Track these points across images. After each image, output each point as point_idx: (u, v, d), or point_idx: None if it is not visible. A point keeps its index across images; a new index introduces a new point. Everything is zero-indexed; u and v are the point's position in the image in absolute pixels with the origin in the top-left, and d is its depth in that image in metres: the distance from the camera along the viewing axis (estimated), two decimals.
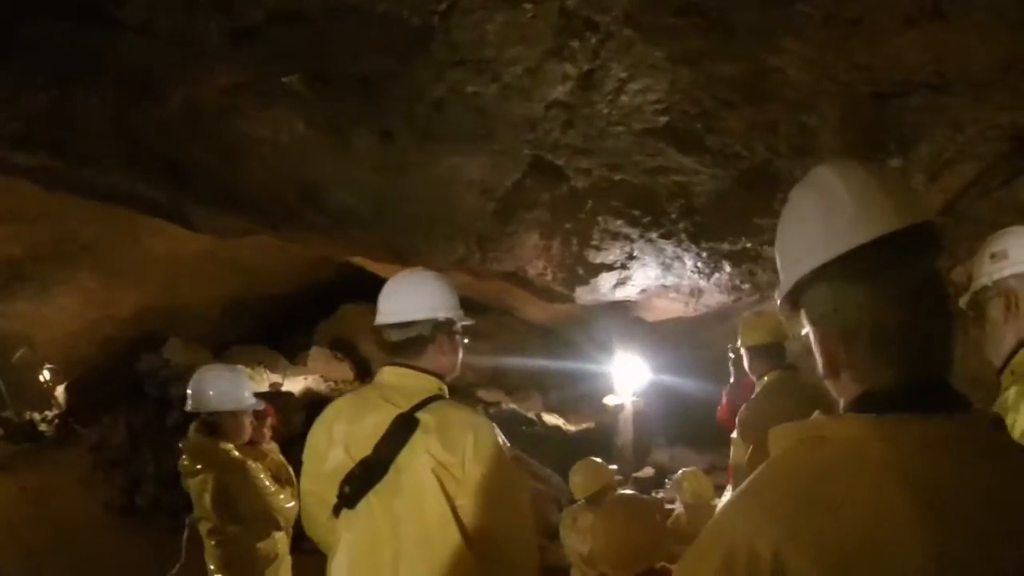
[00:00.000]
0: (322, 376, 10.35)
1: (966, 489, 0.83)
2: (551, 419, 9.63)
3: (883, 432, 0.86)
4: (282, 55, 3.79)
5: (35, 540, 7.44)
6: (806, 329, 1.02)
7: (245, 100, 4.27)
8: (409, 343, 2.01)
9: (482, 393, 9.77)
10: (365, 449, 1.92)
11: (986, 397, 1.81)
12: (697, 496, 4.57)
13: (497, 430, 1.93)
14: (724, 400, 4.50)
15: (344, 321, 12.06)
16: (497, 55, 3.61)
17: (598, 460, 4.38)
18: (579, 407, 9.71)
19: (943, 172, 4.01)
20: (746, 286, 5.36)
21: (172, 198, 5.80)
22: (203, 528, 3.34)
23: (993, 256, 1.89)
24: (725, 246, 4.96)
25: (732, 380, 4.37)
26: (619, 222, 4.92)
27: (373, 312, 2.11)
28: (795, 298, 1.02)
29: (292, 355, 11.59)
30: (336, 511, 1.97)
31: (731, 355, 4.08)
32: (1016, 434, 1.68)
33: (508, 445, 1.94)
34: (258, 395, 3.53)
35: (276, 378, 10.13)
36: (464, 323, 2.11)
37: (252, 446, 3.51)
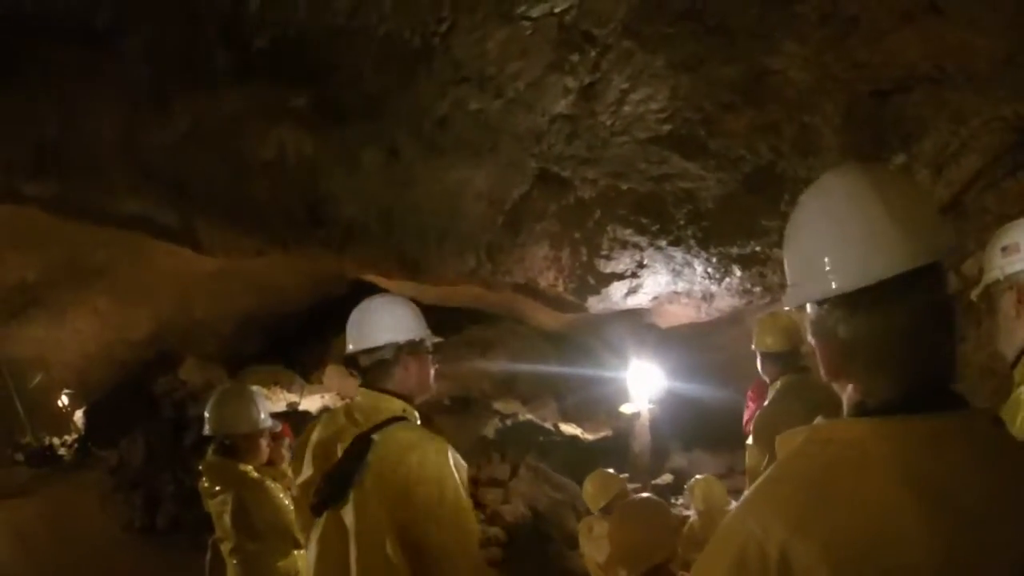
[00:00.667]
0: (338, 393, 10.36)
1: (968, 483, 0.85)
2: (568, 428, 9.59)
3: (886, 431, 0.88)
4: (288, 78, 3.84)
5: (56, 561, 7.47)
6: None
7: (252, 122, 4.33)
8: (375, 367, 2.10)
9: (498, 405, 9.75)
10: (328, 465, 2.03)
11: (1000, 388, 1.79)
12: (709, 502, 4.56)
13: (451, 452, 1.98)
14: (750, 405, 4.43)
15: None
16: (499, 71, 3.65)
17: (610, 471, 4.40)
18: (595, 412, 9.66)
19: (948, 165, 4.00)
20: (757, 289, 5.35)
21: (182, 221, 5.86)
22: (225, 548, 3.36)
23: (1005, 249, 1.88)
24: (734, 250, 4.97)
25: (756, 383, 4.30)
26: (628, 231, 4.94)
27: None
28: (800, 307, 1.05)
29: (306, 370, 11.62)
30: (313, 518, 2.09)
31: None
32: None
33: (464, 466, 2.00)
34: (275, 415, 3.56)
35: (293, 397, 10.16)
36: (433, 341, 2.19)
37: (271, 467, 3.53)
